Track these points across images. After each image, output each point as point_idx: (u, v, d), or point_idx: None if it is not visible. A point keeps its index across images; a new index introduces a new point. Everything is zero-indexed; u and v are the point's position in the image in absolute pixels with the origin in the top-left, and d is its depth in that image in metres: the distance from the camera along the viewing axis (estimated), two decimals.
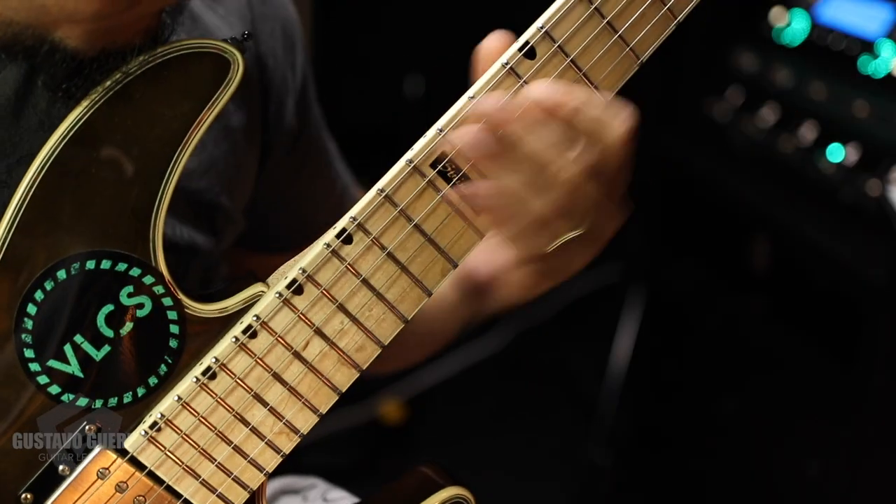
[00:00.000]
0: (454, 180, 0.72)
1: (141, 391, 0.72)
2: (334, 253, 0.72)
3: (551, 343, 2.72)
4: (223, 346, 0.72)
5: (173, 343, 0.72)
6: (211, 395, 0.72)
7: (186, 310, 0.72)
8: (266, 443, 0.74)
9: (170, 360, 0.72)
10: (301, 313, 0.72)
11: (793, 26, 1.95)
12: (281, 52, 0.94)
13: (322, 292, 0.72)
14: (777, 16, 2.00)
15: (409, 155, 0.72)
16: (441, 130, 0.71)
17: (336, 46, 2.51)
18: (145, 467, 0.73)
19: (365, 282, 0.72)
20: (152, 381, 0.72)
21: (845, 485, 1.64)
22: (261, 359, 0.72)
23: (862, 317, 1.59)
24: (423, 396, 2.61)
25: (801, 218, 1.76)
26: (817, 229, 1.71)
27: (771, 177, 1.87)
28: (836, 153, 1.72)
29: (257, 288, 0.73)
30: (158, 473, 0.73)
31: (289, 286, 0.72)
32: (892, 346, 1.54)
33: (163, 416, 0.72)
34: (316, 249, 0.72)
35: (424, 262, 0.73)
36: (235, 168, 0.87)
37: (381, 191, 0.72)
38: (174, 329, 0.72)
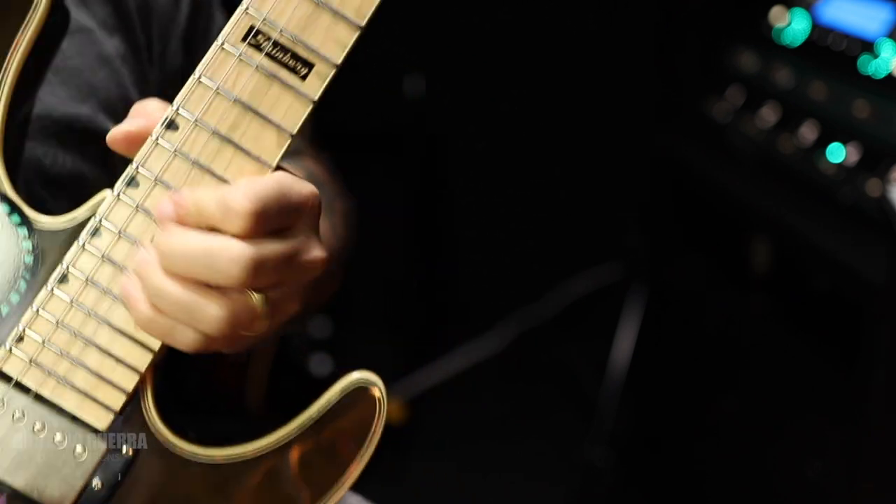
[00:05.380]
0: (266, 49, 0.72)
1: (4, 309, 0.74)
2: (161, 141, 0.72)
3: (551, 343, 2.72)
4: (71, 251, 0.74)
5: (28, 259, 0.74)
6: (64, 299, 0.74)
7: (36, 225, 0.74)
8: (132, 339, 0.74)
9: (27, 276, 0.74)
10: (139, 204, 0.73)
11: (793, 26, 1.95)
12: None
13: (155, 181, 0.73)
14: (777, 16, 2.00)
15: (220, 39, 0.72)
16: (246, 9, 0.72)
17: None
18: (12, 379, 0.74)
19: (197, 164, 0.72)
20: (14, 297, 0.74)
21: (845, 485, 1.64)
22: (107, 256, 0.73)
23: (862, 317, 1.59)
24: (423, 396, 2.61)
25: (801, 218, 1.76)
26: (817, 229, 1.71)
27: (771, 177, 1.87)
28: (836, 153, 1.72)
29: (103, 194, 0.74)
30: (26, 382, 0.74)
31: (124, 181, 0.73)
32: (892, 346, 1.54)
33: (21, 326, 0.74)
34: (146, 142, 0.73)
35: (256, 136, 0.73)
36: (119, 95, 0.87)
37: (197, 75, 0.72)
38: (27, 245, 0.74)
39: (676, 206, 2.26)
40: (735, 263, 2.10)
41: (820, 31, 1.89)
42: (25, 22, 0.73)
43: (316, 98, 0.73)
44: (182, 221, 0.69)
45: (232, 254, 0.68)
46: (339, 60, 0.73)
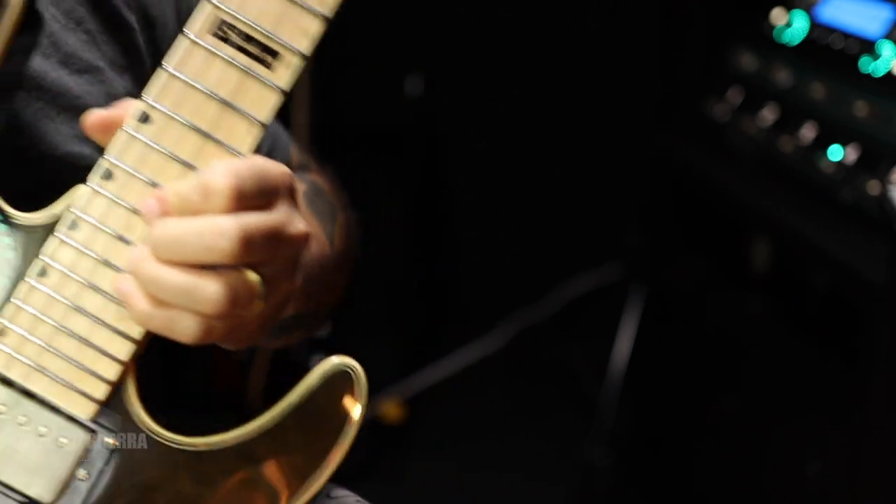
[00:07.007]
0: (233, 41, 0.74)
1: None
2: (135, 134, 0.74)
3: (551, 343, 2.72)
4: (50, 245, 0.75)
5: (9, 254, 0.75)
6: (45, 292, 0.75)
7: (15, 220, 0.76)
8: (113, 330, 0.75)
9: (9, 273, 0.75)
10: (114, 197, 0.74)
11: (793, 26, 1.95)
12: (171, 18, 0.94)
13: (129, 173, 0.74)
14: (777, 16, 2.00)
15: (187, 31, 0.74)
16: (213, 1, 0.73)
17: (336, 46, 2.51)
18: None
19: (170, 155, 0.74)
20: None
21: (845, 485, 1.64)
22: (86, 248, 0.74)
23: (862, 317, 1.59)
24: (423, 396, 2.61)
25: (801, 218, 1.76)
26: (817, 229, 1.71)
27: (771, 177, 1.87)
28: (836, 153, 1.72)
29: (80, 189, 0.76)
30: (9, 376, 0.75)
31: (98, 174, 0.74)
32: (892, 346, 1.54)
33: (2, 321, 0.75)
34: (118, 135, 0.74)
35: (227, 126, 0.74)
36: None
37: (168, 69, 0.74)
38: (7, 241, 0.75)
39: (676, 206, 2.26)
40: (735, 263, 2.10)
41: (820, 31, 1.89)
42: None
43: (285, 88, 0.74)
44: (167, 215, 0.71)
45: (220, 229, 0.70)
46: (306, 50, 0.74)
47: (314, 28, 0.75)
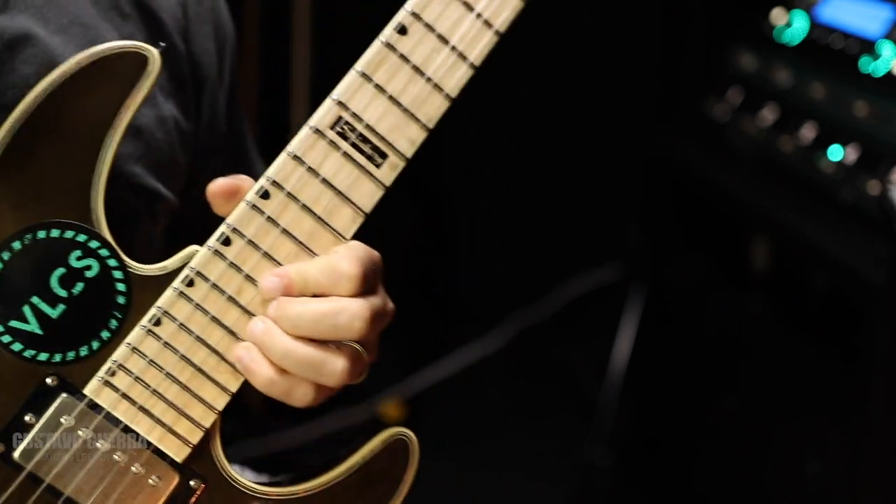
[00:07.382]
0: (351, 139, 0.81)
1: (96, 344, 0.81)
2: (255, 208, 0.80)
3: (551, 343, 2.72)
4: (165, 297, 0.81)
5: (121, 299, 0.81)
6: (158, 340, 0.81)
7: (130, 269, 0.81)
8: (213, 382, 0.82)
9: (119, 315, 0.81)
10: (231, 261, 0.81)
11: (793, 26, 1.95)
12: (213, 53, 1.00)
13: (247, 242, 0.81)
14: (777, 16, 2.00)
15: (311, 121, 0.81)
16: (337, 100, 0.81)
17: (336, 47, 2.51)
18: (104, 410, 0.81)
19: (285, 232, 0.81)
20: (105, 334, 0.81)
21: (845, 485, 1.65)
22: (199, 304, 0.81)
23: (862, 317, 1.59)
24: (423, 396, 2.61)
25: (801, 218, 1.76)
26: (817, 229, 1.71)
27: (771, 177, 1.88)
28: (836, 153, 1.72)
29: (193, 248, 0.82)
30: (115, 414, 0.81)
31: (218, 239, 0.81)
32: (893, 346, 1.54)
33: (115, 361, 0.80)
34: (240, 206, 0.81)
35: (336, 212, 0.82)
36: (169, 158, 0.95)
37: (290, 152, 0.80)
38: (121, 287, 0.81)
39: (676, 206, 2.27)
40: (735, 263, 2.10)
41: (820, 31, 1.89)
42: (137, 86, 0.81)
43: (388, 185, 0.83)
44: (288, 293, 0.79)
45: (353, 311, 0.79)
46: (409, 155, 0.83)
47: (419, 137, 0.84)
